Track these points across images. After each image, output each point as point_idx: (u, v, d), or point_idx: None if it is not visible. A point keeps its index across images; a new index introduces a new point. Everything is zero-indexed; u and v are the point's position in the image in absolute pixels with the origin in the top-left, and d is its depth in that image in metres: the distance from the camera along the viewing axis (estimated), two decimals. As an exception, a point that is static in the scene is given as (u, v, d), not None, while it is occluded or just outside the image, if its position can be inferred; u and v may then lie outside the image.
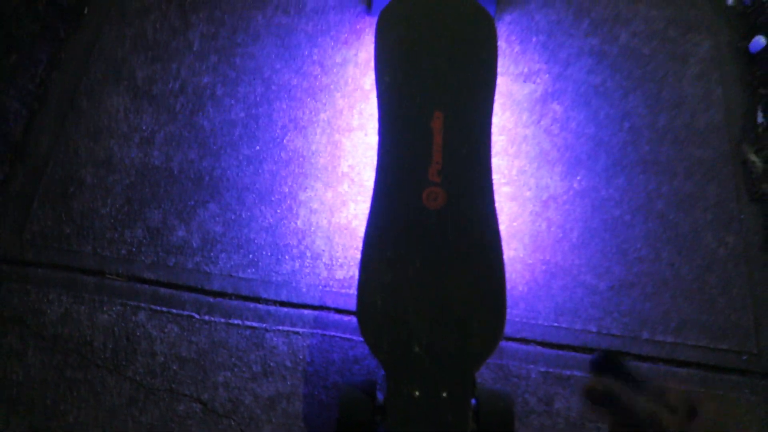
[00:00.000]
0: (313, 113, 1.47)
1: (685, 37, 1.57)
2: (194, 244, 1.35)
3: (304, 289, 1.31)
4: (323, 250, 1.34)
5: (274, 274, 1.32)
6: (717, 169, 1.45)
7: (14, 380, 1.23)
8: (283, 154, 1.43)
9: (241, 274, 1.32)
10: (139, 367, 1.24)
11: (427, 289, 1.01)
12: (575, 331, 1.29)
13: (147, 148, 1.44)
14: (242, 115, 1.47)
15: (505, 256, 1.03)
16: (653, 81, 1.52)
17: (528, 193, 1.40)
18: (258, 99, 1.49)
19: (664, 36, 1.57)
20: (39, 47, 1.59)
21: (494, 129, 1.16)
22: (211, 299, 1.30)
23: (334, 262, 1.33)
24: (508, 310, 0.99)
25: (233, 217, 1.37)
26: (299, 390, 1.22)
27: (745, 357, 1.27)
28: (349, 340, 1.26)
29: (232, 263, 1.33)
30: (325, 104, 1.48)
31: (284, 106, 1.48)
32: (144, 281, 1.32)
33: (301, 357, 1.25)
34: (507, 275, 1.01)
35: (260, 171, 1.41)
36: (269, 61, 1.52)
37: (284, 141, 1.44)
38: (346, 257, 1.34)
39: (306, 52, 1.53)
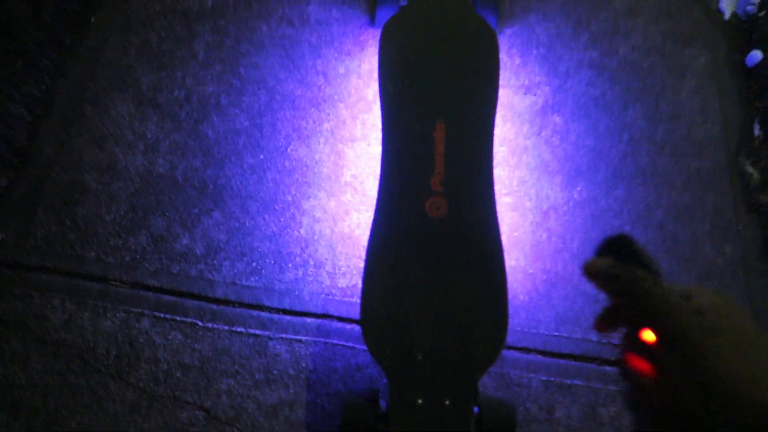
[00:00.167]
0: (317, 123, 1.49)
1: (683, 51, 1.60)
2: (198, 252, 1.36)
3: (307, 298, 1.32)
4: (326, 259, 1.35)
5: (277, 282, 1.33)
6: (715, 180, 1.47)
7: (17, 385, 1.23)
8: (286, 163, 1.44)
9: (244, 282, 1.33)
10: (142, 374, 1.25)
11: (430, 297, 1.02)
12: (576, 340, 1.30)
13: (151, 156, 1.45)
14: (246, 124, 1.48)
15: (506, 266, 1.04)
16: (652, 93, 1.55)
17: (528, 204, 1.42)
18: (262, 108, 1.50)
19: (662, 50, 1.60)
20: (44, 54, 1.60)
21: (495, 140, 1.18)
22: (214, 307, 1.31)
23: (336, 271, 1.34)
24: (510, 320, 1.00)
25: (237, 226, 1.38)
26: (302, 398, 1.22)
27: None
28: (351, 348, 1.27)
29: (236, 271, 1.34)
30: (328, 114, 1.50)
31: (288, 116, 1.49)
32: (147, 288, 1.33)
33: (303, 365, 1.25)
34: (508, 285, 1.03)
35: (264, 180, 1.43)
36: (273, 72, 1.54)
37: (288, 150, 1.46)
38: (348, 266, 1.35)
39: (310, 63, 1.55)
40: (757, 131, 1.50)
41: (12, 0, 1.59)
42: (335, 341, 1.28)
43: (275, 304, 1.31)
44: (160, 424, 1.21)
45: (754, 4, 1.58)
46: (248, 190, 1.42)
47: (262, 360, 1.26)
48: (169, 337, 1.28)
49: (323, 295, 1.32)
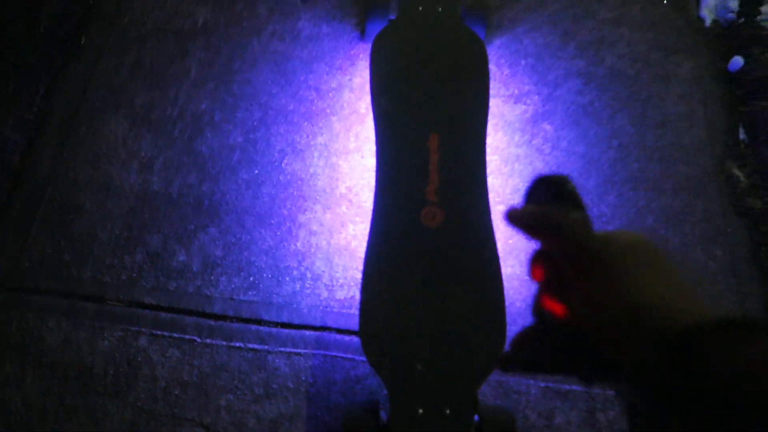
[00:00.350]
0: (311, 137, 1.50)
1: (667, 59, 1.63)
2: (195, 268, 1.36)
3: (305, 311, 1.32)
4: (323, 271, 1.36)
5: (274, 296, 1.33)
6: (703, 185, 1.50)
7: (13, 409, 1.22)
8: (281, 178, 1.45)
9: (242, 297, 1.33)
10: (140, 393, 1.24)
11: (428, 306, 1.02)
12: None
13: (146, 174, 1.46)
14: (240, 139, 1.49)
15: (503, 274, 1.05)
16: (639, 101, 1.58)
17: (522, 211, 1.43)
18: (256, 124, 1.51)
19: (647, 58, 1.63)
20: (37, 77, 1.61)
21: (488, 149, 1.20)
22: (212, 322, 1.31)
23: (334, 283, 1.35)
24: (507, 327, 1.01)
25: (233, 241, 1.38)
26: (302, 411, 1.22)
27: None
28: (350, 360, 1.27)
29: (233, 286, 1.34)
30: (321, 128, 1.51)
31: (282, 131, 1.51)
32: (144, 306, 1.32)
33: (303, 378, 1.25)
34: (505, 292, 1.04)
35: (259, 194, 1.43)
36: (266, 87, 1.56)
37: (282, 164, 1.47)
38: (346, 278, 1.35)
39: (302, 78, 1.57)
40: (742, 136, 1.53)
41: (4, 23, 1.60)
42: (334, 353, 1.28)
43: (273, 318, 1.31)
44: (159, 443, 1.20)
45: (733, 12, 1.62)
46: (244, 205, 1.42)
47: (262, 374, 1.26)
48: (167, 355, 1.27)
49: (321, 308, 1.32)
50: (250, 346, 1.28)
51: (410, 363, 0.98)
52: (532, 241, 0.43)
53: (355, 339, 1.29)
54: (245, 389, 1.24)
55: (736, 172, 1.49)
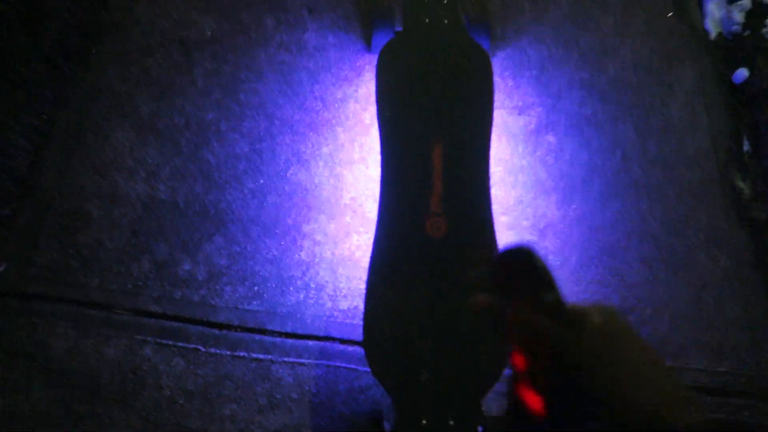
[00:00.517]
0: (316, 147, 1.51)
1: (670, 69, 1.64)
2: (200, 277, 1.37)
3: (309, 320, 1.33)
4: (327, 281, 1.37)
5: (279, 305, 1.34)
6: (706, 191, 1.50)
7: (21, 415, 1.23)
8: (286, 187, 1.46)
9: (246, 306, 1.34)
10: (145, 401, 1.25)
11: (432, 317, 1.03)
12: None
13: (153, 182, 1.47)
14: (246, 149, 1.51)
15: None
16: (642, 109, 1.58)
17: (526, 223, 1.44)
18: (262, 134, 1.53)
19: (650, 67, 1.64)
20: (45, 85, 1.63)
21: (491, 160, 1.20)
22: (216, 332, 1.32)
23: (338, 293, 1.35)
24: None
25: (238, 250, 1.39)
26: (306, 422, 1.23)
27: (743, 379, 1.29)
28: (354, 370, 1.28)
29: (238, 295, 1.35)
30: (327, 138, 1.52)
31: (287, 141, 1.52)
32: (150, 315, 1.33)
33: (307, 388, 1.26)
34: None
35: (264, 204, 1.44)
36: (272, 97, 1.57)
37: (288, 174, 1.48)
38: (349, 288, 1.36)
39: (308, 89, 1.58)
40: (746, 147, 1.53)
41: (13, 32, 1.62)
42: (338, 363, 1.28)
43: (277, 328, 1.32)
44: (164, 452, 1.20)
45: (738, 24, 1.62)
46: (249, 214, 1.43)
47: (266, 384, 1.26)
48: (172, 364, 1.28)
49: (325, 318, 1.33)
50: (254, 355, 1.29)
51: (414, 373, 0.99)
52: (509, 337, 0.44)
53: (359, 349, 1.29)
54: (249, 399, 1.25)
55: (740, 182, 1.50)
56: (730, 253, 1.43)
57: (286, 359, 1.29)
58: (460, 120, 1.25)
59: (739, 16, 1.63)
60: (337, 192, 1.46)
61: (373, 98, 1.47)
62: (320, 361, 1.28)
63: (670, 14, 1.70)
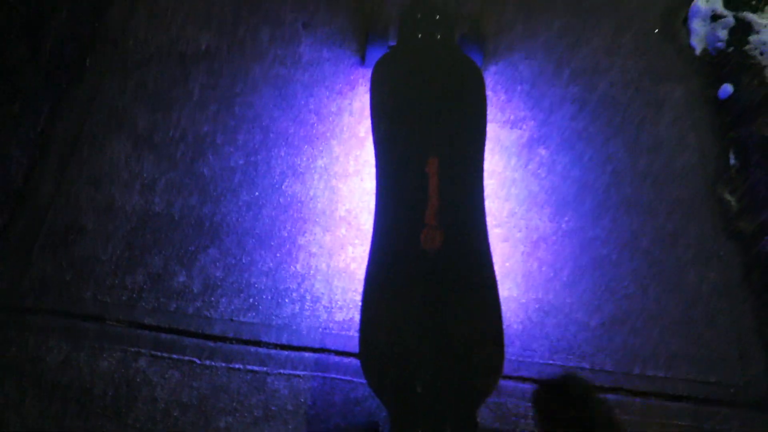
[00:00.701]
0: (311, 160, 1.53)
1: (659, 86, 1.68)
2: (195, 290, 1.37)
3: (304, 332, 1.33)
4: (323, 293, 1.37)
5: (274, 317, 1.34)
6: (695, 208, 1.53)
7: (11, 430, 1.22)
8: (281, 200, 1.47)
9: (241, 318, 1.34)
10: (139, 415, 1.24)
11: (427, 329, 1.04)
12: (570, 369, 1.32)
13: (148, 195, 1.47)
14: (241, 162, 1.52)
15: (500, 296, 1.07)
16: (632, 126, 1.61)
17: (519, 234, 1.46)
18: (257, 146, 1.54)
19: (639, 85, 1.67)
20: (41, 97, 1.63)
21: (485, 173, 1.22)
22: (211, 344, 1.31)
23: (333, 305, 1.36)
24: (505, 349, 1.03)
25: (233, 262, 1.40)
26: (301, 434, 1.22)
27: (732, 390, 1.31)
28: (349, 382, 1.28)
29: (233, 307, 1.35)
30: (321, 151, 1.54)
31: (282, 153, 1.53)
32: (145, 327, 1.33)
33: (302, 400, 1.26)
34: (502, 314, 1.05)
35: (260, 216, 1.45)
36: (267, 110, 1.59)
37: (283, 187, 1.49)
38: (345, 300, 1.37)
39: (303, 102, 1.60)
40: (732, 161, 1.56)
41: (9, 44, 1.63)
42: (334, 375, 1.29)
43: (273, 340, 1.32)
44: (158, 466, 1.20)
45: (722, 41, 1.67)
46: (244, 226, 1.44)
47: (261, 396, 1.26)
48: (167, 376, 1.28)
49: (321, 330, 1.33)
50: (250, 367, 1.29)
51: (409, 385, 0.99)
52: None
53: (355, 361, 1.30)
54: (244, 411, 1.24)
55: (727, 196, 1.53)
56: (719, 267, 1.45)
57: (281, 371, 1.29)
58: (454, 133, 1.27)
59: (722, 33, 1.68)
60: (332, 204, 1.47)
61: (367, 112, 1.49)
62: (316, 373, 1.29)
63: (656, 30, 1.75)
